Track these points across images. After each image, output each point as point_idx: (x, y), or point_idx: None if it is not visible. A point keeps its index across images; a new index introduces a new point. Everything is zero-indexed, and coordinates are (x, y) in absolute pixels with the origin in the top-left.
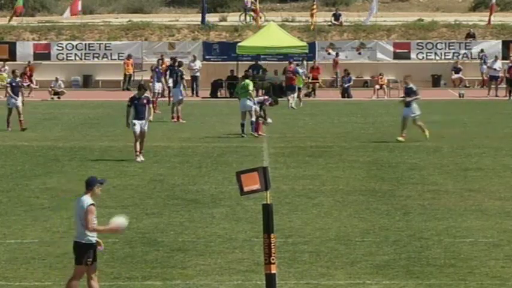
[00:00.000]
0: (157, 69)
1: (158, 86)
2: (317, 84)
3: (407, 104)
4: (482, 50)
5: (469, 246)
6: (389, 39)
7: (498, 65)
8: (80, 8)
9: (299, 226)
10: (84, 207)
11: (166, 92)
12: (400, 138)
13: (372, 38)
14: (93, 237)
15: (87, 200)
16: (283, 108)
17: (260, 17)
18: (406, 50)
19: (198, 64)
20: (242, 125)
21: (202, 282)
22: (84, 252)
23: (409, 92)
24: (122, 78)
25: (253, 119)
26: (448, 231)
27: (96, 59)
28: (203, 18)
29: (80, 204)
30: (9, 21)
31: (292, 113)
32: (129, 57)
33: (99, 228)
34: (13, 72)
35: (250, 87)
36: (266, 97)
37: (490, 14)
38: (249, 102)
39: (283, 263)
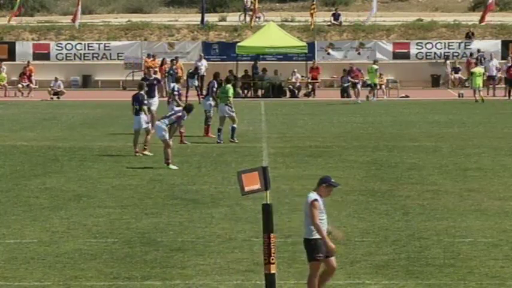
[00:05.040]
0: (171, 71)
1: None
2: (316, 84)
3: (136, 113)
4: (478, 50)
5: (469, 246)
6: (389, 39)
7: (493, 64)
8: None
9: (298, 226)
10: (308, 203)
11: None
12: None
13: (371, 38)
14: (315, 232)
15: (312, 195)
16: (284, 108)
17: (258, 18)
18: (405, 50)
19: (204, 63)
20: (219, 130)
21: (202, 282)
22: (313, 248)
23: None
24: (121, 78)
25: (235, 125)
26: (448, 231)
27: (95, 59)
28: (202, 19)
29: (306, 200)
30: (9, 21)
31: (292, 113)
32: (148, 56)
33: (320, 228)
34: (147, 71)
35: (229, 93)
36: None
37: (485, 13)
38: (227, 108)
39: (282, 263)
